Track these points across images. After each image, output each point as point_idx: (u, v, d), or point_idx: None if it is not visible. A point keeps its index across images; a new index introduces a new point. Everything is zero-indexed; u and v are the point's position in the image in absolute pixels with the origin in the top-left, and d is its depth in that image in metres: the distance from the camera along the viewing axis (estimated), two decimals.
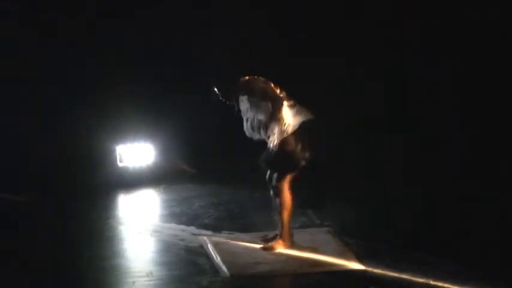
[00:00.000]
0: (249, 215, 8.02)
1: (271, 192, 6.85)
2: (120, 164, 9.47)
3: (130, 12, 9.97)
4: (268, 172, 6.84)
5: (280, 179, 6.73)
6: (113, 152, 9.50)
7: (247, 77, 6.75)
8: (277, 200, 6.78)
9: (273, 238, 6.96)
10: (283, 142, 6.65)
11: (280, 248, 6.81)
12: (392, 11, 9.97)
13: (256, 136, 6.82)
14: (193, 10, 10.04)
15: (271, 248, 6.82)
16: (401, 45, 10.00)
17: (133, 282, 6.21)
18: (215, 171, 9.55)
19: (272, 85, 6.72)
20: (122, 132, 9.61)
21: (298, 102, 6.72)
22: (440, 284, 6.04)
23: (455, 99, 9.88)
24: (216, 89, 6.78)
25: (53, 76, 9.76)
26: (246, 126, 6.84)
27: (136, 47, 9.94)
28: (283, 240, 6.84)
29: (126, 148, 9.53)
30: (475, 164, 9.08)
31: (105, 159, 9.48)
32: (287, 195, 6.76)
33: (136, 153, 9.57)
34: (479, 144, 9.43)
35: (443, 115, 9.89)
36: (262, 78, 6.74)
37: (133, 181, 9.38)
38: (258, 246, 6.91)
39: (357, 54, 9.88)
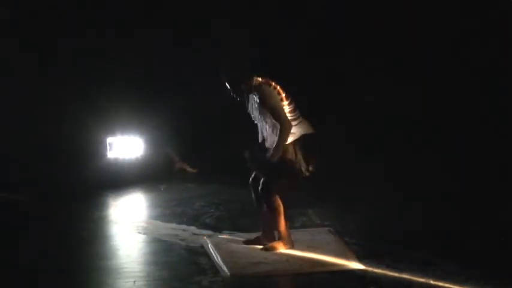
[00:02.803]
0: (249, 215, 8.02)
1: (254, 196, 6.85)
2: (109, 155, 9.64)
3: (126, 9, 10.02)
4: (253, 175, 6.84)
5: (268, 184, 6.71)
6: (103, 142, 9.65)
7: (259, 78, 6.72)
8: (268, 208, 6.76)
9: (257, 239, 6.96)
10: (283, 152, 6.65)
11: (282, 249, 6.82)
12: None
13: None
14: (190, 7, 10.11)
15: (272, 249, 6.83)
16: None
17: (134, 282, 6.22)
18: (215, 170, 9.58)
19: (282, 95, 6.67)
20: (113, 125, 9.73)
21: (302, 115, 6.72)
22: (440, 284, 6.05)
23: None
24: (227, 84, 6.77)
25: (46, 71, 9.83)
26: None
27: (131, 40, 10.00)
28: (284, 240, 6.85)
29: (116, 140, 9.70)
30: (475, 164, 9.10)
31: (97, 149, 9.61)
32: (277, 198, 6.75)
33: (126, 145, 9.74)
34: (479, 144, 9.46)
35: (443, 114, 9.91)
36: (275, 86, 6.69)
37: (122, 172, 9.47)
38: (259, 247, 6.92)
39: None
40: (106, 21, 9.96)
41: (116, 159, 9.73)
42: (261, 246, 6.90)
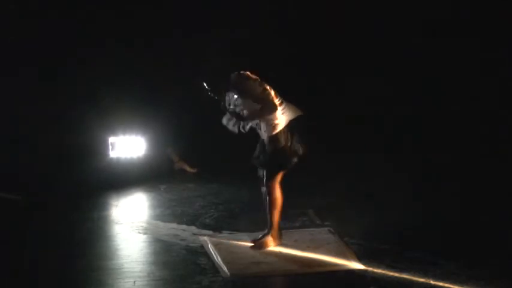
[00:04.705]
0: (249, 215, 8.02)
1: (263, 190, 6.87)
2: (112, 154, 9.65)
3: (129, 10, 10.03)
4: (260, 170, 6.87)
5: (271, 177, 6.75)
6: (105, 142, 9.67)
7: (238, 74, 6.73)
8: (268, 199, 6.80)
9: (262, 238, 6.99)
10: (273, 139, 6.68)
11: (270, 246, 6.84)
12: None
13: (235, 129, 6.84)
14: (190, 8, 10.11)
15: (263, 245, 6.84)
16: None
17: (134, 282, 6.22)
18: (215, 170, 9.58)
19: (264, 85, 6.72)
20: (115, 124, 9.73)
21: (286, 100, 6.74)
22: (440, 284, 6.05)
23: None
24: (205, 84, 6.78)
25: (49, 72, 9.84)
26: (227, 118, 6.86)
27: (134, 40, 10.00)
28: (273, 237, 6.87)
29: (118, 139, 9.72)
30: (475, 164, 9.10)
31: (99, 149, 9.63)
32: (277, 194, 6.79)
33: (128, 145, 9.74)
34: (480, 143, 9.46)
35: (442, 113, 9.92)
36: (255, 78, 6.74)
37: (125, 172, 9.49)
38: (249, 244, 6.94)
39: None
40: (107, 20, 9.96)
41: (118, 159, 9.73)
42: (251, 245, 6.92)
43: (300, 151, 6.71)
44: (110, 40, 9.93)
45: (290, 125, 6.70)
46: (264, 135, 6.76)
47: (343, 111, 9.84)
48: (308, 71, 10.09)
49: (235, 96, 6.73)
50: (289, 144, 6.69)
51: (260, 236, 6.98)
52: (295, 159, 6.72)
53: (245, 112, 6.73)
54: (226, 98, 6.82)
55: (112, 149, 9.72)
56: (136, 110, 9.78)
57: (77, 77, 9.89)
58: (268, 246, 6.85)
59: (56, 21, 9.89)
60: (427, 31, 10.06)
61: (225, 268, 6.44)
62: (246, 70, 6.76)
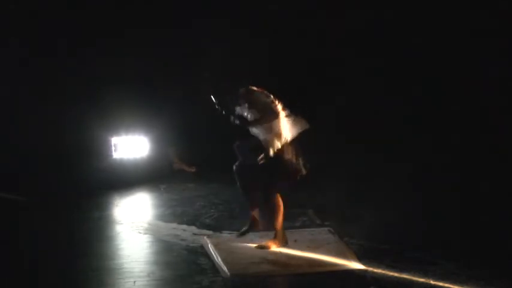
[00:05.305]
0: (250, 214, 8.01)
1: (240, 183, 6.88)
2: (115, 155, 9.65)
3: (130, 8, 10.04)
4: (238, 162, 6.83)
5: (274, 186, 6.78)
6: (108, 143, 9.66)
7: (246, 88, 6.75)
8: (270, 204, 6.81)
9: (247, 231, 7.01)
10: (281, 151, 6.68)
11: (274, 247, 6.85)
12: None
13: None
14: (193, 9, 10.11)
15: (266, 247, 6.85)
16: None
17: (134, 282, 6.22)
18: (215, 170, 9.58)
19: (271, 97, 6.73)
20: (118, 125, 9.73)
21: (294, 113, 6.76)
22: (440, 284, 6.05)
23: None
24: (213, 98, 6.79)
25: (50, 72, 9.84)
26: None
27: (136, 41, 10.00)
28: (278, 239, 6.88)
29: (121, 140, 9.71)
30: (474, 163, 9.10)
31: (101, 150, 9.63)
32: (278, 199, 6.82)
33: (131, 145, 9.74)
34: (480, 143, 9.46)
35: (441, 112, 9.92)
36: (262, 90, 6.75)
37: (128, 173, 9.48)
38: (253, 245, 6.94)
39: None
40: (108, 20, 9.96)
41: (121, 160, 9.73)
42: (255, 245, 6.92)
43: (303, 171, 6.73)
44: (109, 40, 9.94)
45: (296, 141, 6.70)
46: (269, 148, 6.73)
47: (342, 112, 9.83)
48: (308, 71, 10.10)
49: (241, 107, 6.74)
50: (293, 160, 6.70)
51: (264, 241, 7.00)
52: (301, 171, 6.74)
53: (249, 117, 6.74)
54: (235, 111, 6.84)
55: (115, 150, 9.71)
56: (138, 110, 9.79)
57: (77, 77, 9.89)
58: (271, 248, 6.86)
59: (56, 21, 9.90)
60: (427, 31, 10.05)
61: (225, 268, 6.45)
62: (251, 84, 6.79)
